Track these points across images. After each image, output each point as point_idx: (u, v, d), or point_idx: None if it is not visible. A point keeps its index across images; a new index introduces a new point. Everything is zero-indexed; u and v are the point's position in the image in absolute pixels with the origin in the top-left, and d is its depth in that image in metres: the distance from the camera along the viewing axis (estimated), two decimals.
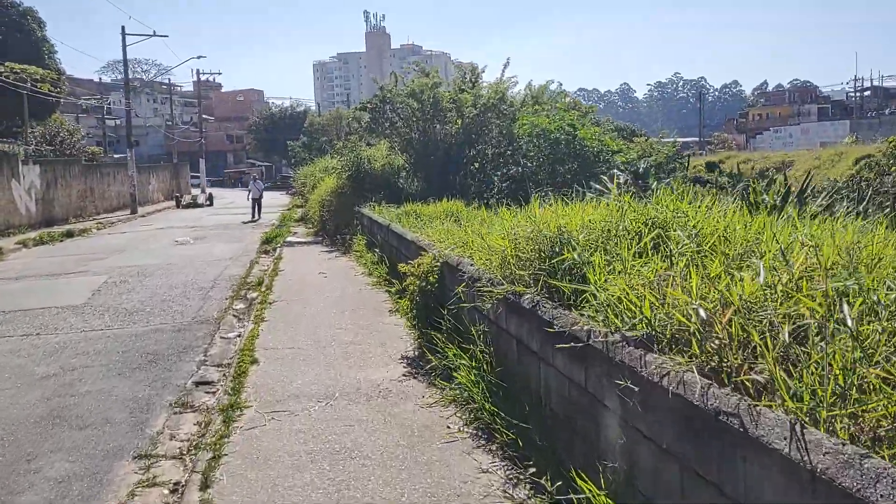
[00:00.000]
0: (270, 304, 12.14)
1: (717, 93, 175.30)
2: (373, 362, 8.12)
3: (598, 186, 12.00)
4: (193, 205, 45.93)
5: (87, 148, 47.33)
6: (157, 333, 10.99)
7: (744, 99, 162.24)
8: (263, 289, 13.76)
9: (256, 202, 33.97)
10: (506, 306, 5.72)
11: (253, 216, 33.07)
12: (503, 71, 24.04)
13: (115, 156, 62.92)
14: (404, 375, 7.54)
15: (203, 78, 62.92)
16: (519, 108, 23.47)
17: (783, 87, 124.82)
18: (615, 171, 13.37)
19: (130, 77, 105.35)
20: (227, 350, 9.87)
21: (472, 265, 6.95)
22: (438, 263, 8.22)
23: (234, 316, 12.11)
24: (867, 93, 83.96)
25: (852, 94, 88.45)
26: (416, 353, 8.31)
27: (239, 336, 10.55)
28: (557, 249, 5.37)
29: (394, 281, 12.17)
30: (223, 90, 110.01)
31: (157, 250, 22.33)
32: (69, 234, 28.72)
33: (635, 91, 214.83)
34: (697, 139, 78.47)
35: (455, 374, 6.61)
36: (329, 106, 72.01)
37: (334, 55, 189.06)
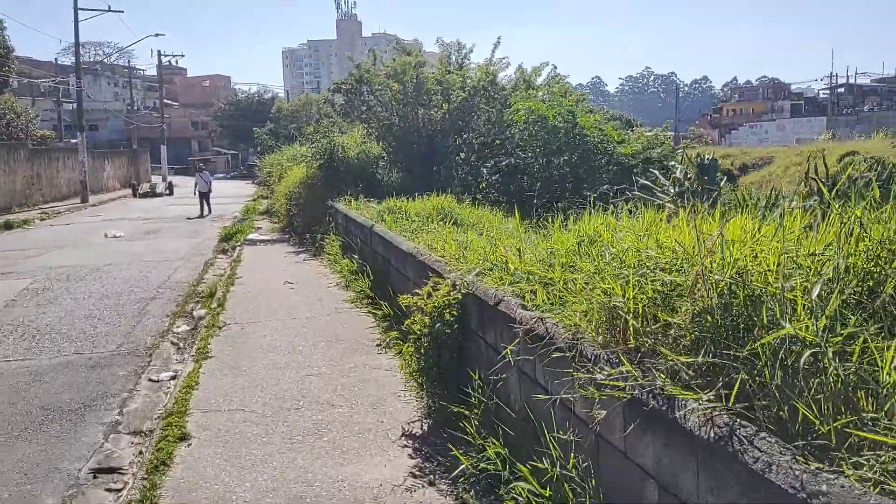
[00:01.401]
0: (220, 328, 9.27)
1: (687, 88, 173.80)
2: (362, 445, 5.32)
3: (646, 183, 9.38)
4: (152, 194, 42.42)
5: (37, 131, 43.56)
6: (66, 370, 8.10)
7: (713, 95, 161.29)
8: (215, 304, 10.88)
9: (204, 196, 29.16)
10: (643, 420, 2.97)
11: (201, 212, 28.53)
12: (493, 51, 21.28)
13: (73, 141, 58.82)
14: (413, 475, 4.75)
15: (165, 61, 59.17)
16: (511, 93, 20.76)
17: (752, 84, 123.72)
18: (675, 164, 10.71)
19: (90, 60, 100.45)
20: (154, 402, 7.03)
21: (531, 311, 4.22)
22: (459, 296, 5.46)
23: (172, 343, 9.23)
24: (840, 90, 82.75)
25: (824, 91, 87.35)
26: (426, 427, 5.53)
27: (173, 378, 7.70)
28: (750, 314, 2.68)
29: (380, 301, 9.41)
30: (188, 75, 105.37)
31: (100, 246, 19.24)
32: (7, 226, 25.41)
33: (606, 85, 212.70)
34: (672, 134, 76.56)
35: (506, 496, 3.89)
36: (299, 94, 68.41)
37: (304, 42, 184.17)
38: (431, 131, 20.21)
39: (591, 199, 18.64)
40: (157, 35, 40.25)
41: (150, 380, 7.75)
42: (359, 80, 20.10)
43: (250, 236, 18.85)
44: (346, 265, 12.40)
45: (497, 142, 20.82)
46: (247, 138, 62.51)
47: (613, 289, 3.37)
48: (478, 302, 5.15)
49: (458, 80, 19.50)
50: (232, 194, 41.23)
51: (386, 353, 7.71)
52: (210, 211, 28.80)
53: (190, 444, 5.47)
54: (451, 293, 5.48)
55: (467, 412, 4.91)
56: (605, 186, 19.71)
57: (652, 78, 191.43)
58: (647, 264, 3.37)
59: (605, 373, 3.05)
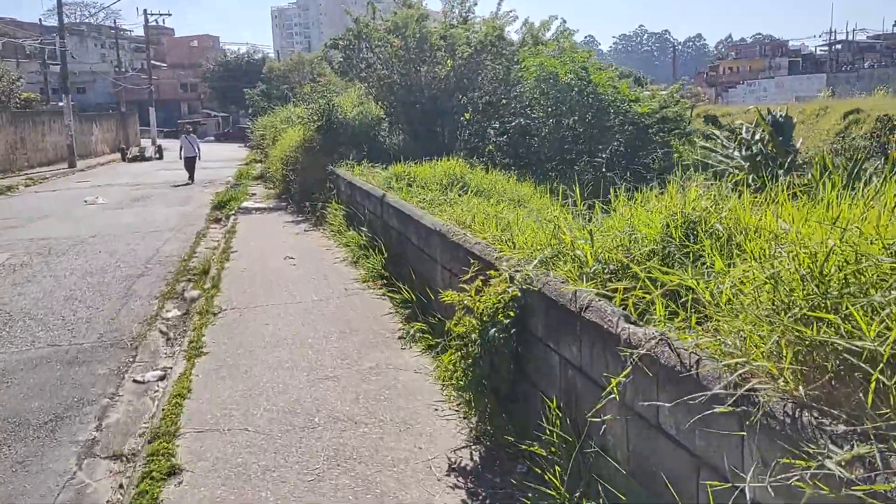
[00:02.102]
0: (215, 314, 8.07)
1: (680, 46, 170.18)
2: (399, 484, 4.12)
3: (704, 146, 8.16)
4: (141, 158, 40.80)
5: (21, 94, 41.71)
6: (38, 368, 6.92)
7: (707, 53, 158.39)
8: (209, 283, 9.66)
9: (190, 162, 26.25)
10: None
11: (190, 178, 25.96)
12: (499, 4, 19.82)
13: (60, 104, 56.84)
14: None
15: (152, 20, 56.80)
16: (518, 50, 19.33)
17: (746, 41, 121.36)
18: (739, 123, 9.52)
19: (76, 21, 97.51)
20: (138, 412, 5.87)
21: (642, 327, 3.03)
22: (518, 293, 4.26)
23: (161, 333, 8.03)
24: (838, 46, 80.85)
25: (822, 49, 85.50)
26: (477, 458, 4.36)
27: (162, 378, 6.53)
28: None
29: (396, 282, 8.22)
30: (176, 36, 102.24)
31: (86, 216, 17.90)
32: None
33: (600, 44, 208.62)
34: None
35: None
36: (289, 54, 66.13)
37: (293, 1, 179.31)
38: (435, 90, 18.84)
39: (606, 162, 16.80)
40: None
41: (134, 380, 6.57)
42: (357, 35, 18.63)
43: (245, 204, 17.55)
44: (353, 238, 11.16)
45: (504, 101, 19.48)
46: (237, 100, 60.49)
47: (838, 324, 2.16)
48: (547, 303, 3.96)
49: (464, 34, 18.06)
50: (224, 158, 39.71)
51: (410, 348, 6.53)
52: (193, 180, 25.87)
53: (181, 482, 4.30)
54: (508, 290, 4.28)
55: (538, 448, 3.75)
56: (617, 146, 18.54)
57: (645, 36, 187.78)
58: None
59: (838, 457, 1.88)
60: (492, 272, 4.59)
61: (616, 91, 18.21)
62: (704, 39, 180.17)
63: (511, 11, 19.65)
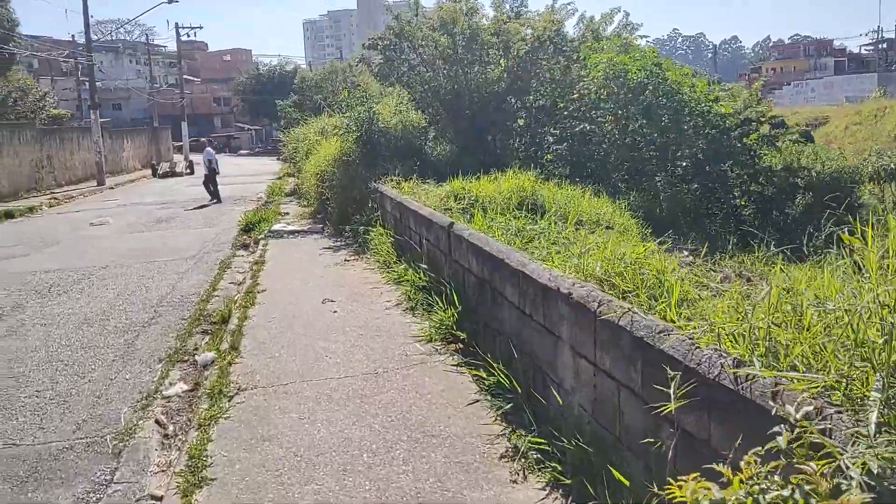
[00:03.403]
0: (231, 398, 5.78)
1: (716, 49, 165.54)
2: None
3: None
4: (171, 173, 39.03)
5: (52, 110, 40.33)
6: None
7: (744, 55, 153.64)
8: (227, 340, 7.39)
9: (210, 181, 23.53)
10: None
11: (212, 197, 23.33)
12: None
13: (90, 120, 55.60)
14: None
15: (184, 34, 55.35)
16: (578, 46, 16.92)
17: (783, 42, 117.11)
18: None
19: (111, 39, 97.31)
20: None
21: None
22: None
23: (158, 426, 5.75)
24: (883, 45, 76.88)
25: (866, 48, 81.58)
26: None
27: None
28: None
29: (476, 347, 5.87)
30: (209, 50, 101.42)
31: (100, 243, 15.85)
32: (8, 215, 22.23)
33: None
34: None
35: None
36: (321, 65, 64.41)
37: (324, 13, 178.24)
38: (486, 94, 16.51)
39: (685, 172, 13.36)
40: (170, 1, 36.32)
41: None
42: (398, 34, 16.38)
43: (276, 226, 15.32)
44: (406, 274, 8.83)
45: (560, 105, 17.07)
46: (270, 112, 58.75)
47: None
48: None
49: (521, 28, 15.73)
50: (256, 172, 37.85)
51: (525, 478, 4.14)
52: (218, 199, 23.25)
53: None
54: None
55: None
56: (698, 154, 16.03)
57: (679, 39, 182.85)
58: None
59: None
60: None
61: (693, 90, 15.73)
62: (741, 41, 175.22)
63: (569, 4, 17.29)
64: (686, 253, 7.36)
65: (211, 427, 5.23)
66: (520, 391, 4.84)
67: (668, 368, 2.88)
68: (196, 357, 7.25)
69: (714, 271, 5.87)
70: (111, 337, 8.35)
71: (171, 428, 5.63)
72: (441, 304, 7.03)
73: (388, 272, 9.82)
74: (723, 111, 15.49)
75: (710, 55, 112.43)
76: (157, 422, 5.76)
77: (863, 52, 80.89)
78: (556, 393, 4.23)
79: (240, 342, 7.23)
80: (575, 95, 16.61)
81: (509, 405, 4.88)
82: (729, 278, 6.19)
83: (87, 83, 57.71)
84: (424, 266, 8.15)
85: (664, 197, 14.16)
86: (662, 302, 3.61)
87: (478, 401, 5.29)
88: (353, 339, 7.17)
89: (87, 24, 32.18)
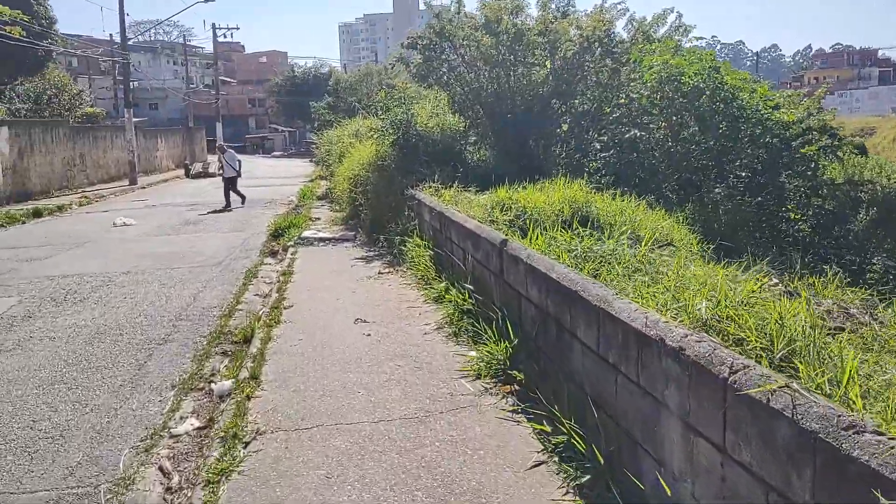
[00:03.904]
0: (247, 444, 4.89)
1: (755, 57, 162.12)
2: None
3: None
4: (204, 174, 38.61)
5: (87, 108, 40.17)
6: None
7: (783, 63, 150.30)
8: (247, 367, 6.50)
9: (230, 183, 21.92)
10: None
11: (226, 205, 21.53)
12: None
13: (135, 119, 55.62)
14: None
15: (220, 34, 55.21)
16: (630, 48, 15.86)
17: (825, 51, 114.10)
18: None
19: (149, 39, 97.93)
20: None
21: None
22: None
23: (162, 472, 4.88)
24: None
25: None
26: None
27: None
28: None
29: (537, 392, 4.91)
30: (246, 52, 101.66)
31: (125, 246, 15.17)
32: (36, 214, 21.74)
33: None
34: None
35: None
36: (356, 67, 63.82)
37: (360, 17, 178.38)
38: (530, 97, 15.53)
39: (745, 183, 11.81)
40: (206, 0, 35.90)
41: None
42: (439, 33, 15.44)
43: (306, 233, 14.48)
44: (447, 292, 7.90)
45: (606, 110, 16.02)
46: (304, 114, 58.38)
47: None
48: None
49: (570, 28, 14.74)
50: (288, 174, 37.26)
51: None
52: (229, 204, 21.60)
53: None
54: None
55: None
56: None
57: (718, 47, 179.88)
58: None
59: None
60: None
61: (753, 95, 14.60)
62: (780, 50, 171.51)
63: (620, 3, 16.19)
64: (775, 280, 6.35)
65: (221, 484, 4.34)
66: (600, 460, 3.86)
67: (869, 489, 1.90)
68: (212, 384, 6.38)
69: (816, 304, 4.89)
70: (122, 355, 7.54)
71: (175, 479, 4.75)
72: (491, 334, 6.07)
73: (426, 289, 8.89)
74: (786, 119, 14.35)
75: (748, 63, 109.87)
76: (160, 469, 4.89)
77: None
78: (657, 475, 3.25)
79: (261, 370, 6.34)
80: (623, 100, 15.59)
81: (586, 477, 3.90)
82: (830, 312, 5.18)
83: (131, 84, 58.04)
84: (470, 287, 7.19)
85: (724, 210, 13.05)
86: (812, 367, 2.62)
87: (542, 463, 4.32)
88: (388, 370, 6.25)
89: (122, 22, 31.86)
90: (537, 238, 6.22)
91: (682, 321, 3.39)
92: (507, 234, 6.49)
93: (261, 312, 8.89)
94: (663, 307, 3.68)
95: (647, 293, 3.98)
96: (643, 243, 5.58)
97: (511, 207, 8.59)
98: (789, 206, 14.81)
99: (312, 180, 30.73)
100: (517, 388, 5.31)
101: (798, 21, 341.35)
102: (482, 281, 6.97)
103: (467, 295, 7.23)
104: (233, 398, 5.75)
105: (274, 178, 35.05)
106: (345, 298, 9.06)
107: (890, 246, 14.04)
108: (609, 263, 5.25)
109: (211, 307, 9.53)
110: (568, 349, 4.52)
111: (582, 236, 5.94)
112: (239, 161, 22.86)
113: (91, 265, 12.88)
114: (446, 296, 7.92)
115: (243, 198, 22.32)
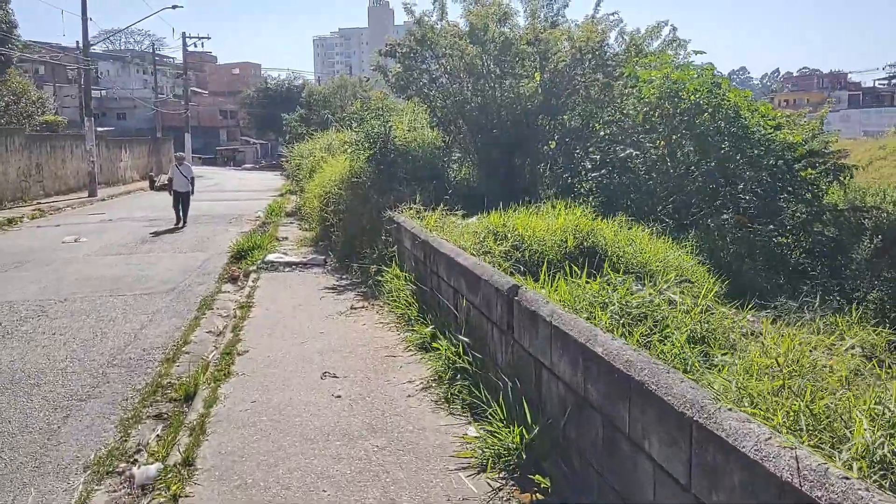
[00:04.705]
0: None
1: (728, 79, 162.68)
2: None
3: None
4: (169, 187, 36.70)
5: (48, 116, 38.15)
6: None
7: (752, 86, 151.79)
8: (180, 451, 5.04)
9: (182, 199, 19.96)
10: None
11: (177, 221, 19.73)
12: (597, 5, 15.22)
13: (99, 129, 53.40)
14: None
15: (191, 44, 53.39)
16: (624, 61, 14.70)
17: (793, 75, 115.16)
18: None
19: (120, 48, 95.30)
20: None
21: None
22: None
23: None
24: None
25: (881, 81, 79.74)
26: None
27: None
28: None
29: (562, 499, 3.56)
30: (218, 63, 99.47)
31: (73, 264, 13.55)
32: None
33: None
34: None
35: None
36: (329, 80, 62.23)
37: (335, 31, 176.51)
38: (517, 111, 14.28)
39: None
40: (174, 7, 34.14)
41: None
42: (420, 41, 14.16)
43: (270, 257, 12.96)
44: (437, 343, 6.49)
45: (596, 126, 14.84)
46: (276, 127, 56.68)
47: None
48: None
49: (563, 37, 13.53)
50: (258, 188, 35.60)
51: None
52: (184, 222, 19.73)
53: None
54: None
55: None
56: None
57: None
58: None
59: None
60: None
61: (754, 114, 13.54)
62: (749, 72, 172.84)
63: (613, 14, 15.05)
64: (850, 342, 5.11)
65: None
66: None
67: None
68: (134, 469, 4.90)
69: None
70: (33, 417, 6.03)
71: None
72: (497, 409, 4.66)
73: (408, 331, 7.50)
74: (791, 139, 13.29)
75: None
76: None
77: (877, 85, 78.85)
78: None
79: (197, 450, 4.88)
80: (616, 117, 14.44)
81: None
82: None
83: (98, 92, 55.78)
84: (465, 339, 5.78)
85: (732, 238, 11.86)
86: None
87: None
88: (364, 452, 4.82)
89: (84, 25, 30.06)
90: (554, 283, 4.87)
91: (852, 462, 2.04)
92: (515, 278, 5.12)
93: (211, 357, 7.42)
94: (794, 426, 2.33)
95: (756, 392, 2.62)
96: (701, 298, 4.25)
97: (507, 236, 7.32)
98: (793, 233, 13.76)
99: (282, 195, 29.20)
100: (540, 496, 3.89)
101: (765, 44, 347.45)
102: (481, 334, 5.57)
103: (461, 348, 5.83)
104: (154, 499, 4.27)
105: (243, 191, 33.43)
106: (311, 342, 7.61)
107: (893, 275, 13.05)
108: (657, 324, 3.91)
109: (153, 348, 8.03)
110: (629, 463, 3.14)
111: (614, 285, 4.59)
112: (192, 178, 20.70)
113: (27, 290, 11.27)
114: (433, 344, 6.51)
115: (184, 219, 20.03)
